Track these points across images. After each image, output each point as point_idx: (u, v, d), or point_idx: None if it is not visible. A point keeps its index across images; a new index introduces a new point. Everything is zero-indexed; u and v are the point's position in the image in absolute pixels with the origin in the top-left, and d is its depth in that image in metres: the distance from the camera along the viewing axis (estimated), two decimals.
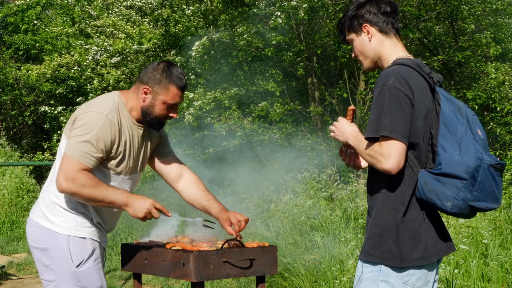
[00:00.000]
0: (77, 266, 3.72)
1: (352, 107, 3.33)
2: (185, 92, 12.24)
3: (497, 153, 10.00)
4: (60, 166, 3.62)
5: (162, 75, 3.76)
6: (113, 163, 3.73)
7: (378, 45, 3.23)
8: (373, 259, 3.07)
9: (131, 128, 3.79)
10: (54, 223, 3.72)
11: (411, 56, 3.22)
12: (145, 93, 3.77)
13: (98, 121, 3.61)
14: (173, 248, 4.03)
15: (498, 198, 3.04)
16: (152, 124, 3.84)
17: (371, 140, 3.02)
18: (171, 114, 3.83)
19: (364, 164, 3.43)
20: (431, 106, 3.07)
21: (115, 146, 3.69)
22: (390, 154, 2.94)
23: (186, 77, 3.81)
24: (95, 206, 3.75)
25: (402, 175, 3.02)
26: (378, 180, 3.11)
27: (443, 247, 3.15)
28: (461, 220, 7.19)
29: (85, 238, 3.75)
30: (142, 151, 3.92)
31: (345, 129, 3.23)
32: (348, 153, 3.43)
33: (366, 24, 3.23)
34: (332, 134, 3.29)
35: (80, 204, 3.73)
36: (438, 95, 3.08)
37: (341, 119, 3.28)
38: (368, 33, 3.23)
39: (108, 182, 3.77)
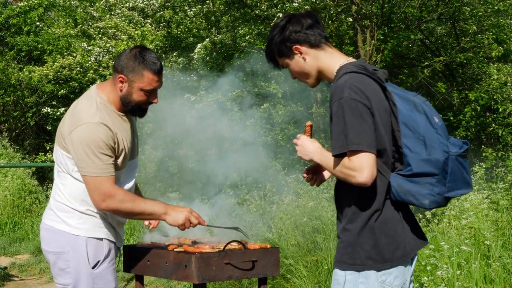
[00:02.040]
0: (93, 268, 3.71)
1: (309, 122, 3.26)
2: (187, 95, 12.30)
3: (499, 154, 9.99)
4: (89, 189, 3.61)
5: (135, 61, 3.66)
6: (119, 161, 3.72)
7: (315, 61, 3.15)
8: (356, 268, 3.04)
9: (119, 122, 3.75)
10: (72, 226, 3.70)
11: (352, 59, 3.16)
12: (121, 82, 3.69)
13: (95, 130, 3.58)
14: (175, 249, 4.03)
15: (470, 182, 3.06)
16: (134, 112, 3.79)
17: (338, 156, 2.97)
18: (151, 100, 3.76)
19: (326, 176, 3.41)
20: (387, 107, 3.03)
21: (116, 146, 3.68)
22: (362, 167, 2.89)
23: (160, 61, 3.73)
24: None
25: (374, 183, 2.99)
26: (347, 189, 3.06)
27: (418, 242, 3.16)
28: (463, 221, 7.18)
29: (102, 239, 3.75)
30: (134, 138, 3.89)
31: (308, 147, 3.16)
32: (312, 174, 3.39)
33: (295, 45, 3.14)
34: (298, 154, 3.20)
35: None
36: (391, 94, 3.04)
37: (302, 137, 3.20)
38: (301, 54, 3.15)
39: (120, 180, 3.77)
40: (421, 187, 2.96)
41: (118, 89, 3.72)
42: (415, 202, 2.99)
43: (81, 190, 3.68)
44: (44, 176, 17.54)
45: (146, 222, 4.26)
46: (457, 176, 2.98)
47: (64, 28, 16.83)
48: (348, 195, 3.08)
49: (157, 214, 3.73)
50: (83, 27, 16.28)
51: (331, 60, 3.15)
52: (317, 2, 11.31)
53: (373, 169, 2.91)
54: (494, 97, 10.84)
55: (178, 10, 13.93)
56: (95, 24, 15.35)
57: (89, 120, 3.60)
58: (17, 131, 20.09)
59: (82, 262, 3.69)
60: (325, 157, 3.08)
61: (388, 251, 3.02)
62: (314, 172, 3.40)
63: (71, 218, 3.71)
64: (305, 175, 3.40)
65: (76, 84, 16.60)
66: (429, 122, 2.99)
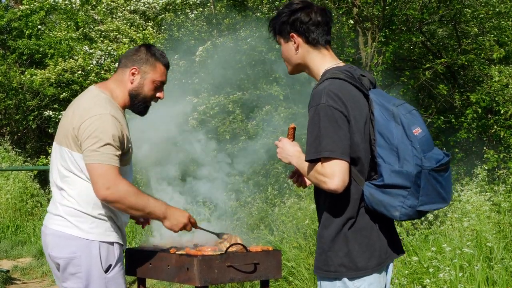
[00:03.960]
0: (105, 272, 3.69)
1: (292, 125, 3.26)
2: (189, 97, 12.33)
3: (501, 156, 9.98)
4: (93, 177, 3.57)
5: (147, 54, 3.82)
6: (126, 157, 3.73)
7: (304, 56, 3.17)
8: (328, 275, 3.05)
9: (123, 118, 3.78)
10: (84, 230, 3.67)
11: (341, 63, 3.15)
12: (133, 74, 3.79)
13: (107, 121, 3.60)
14: (177, 252, 4.04)
15: (445, 197, 3.04)
16: (138, 107, 3.86)
17: (312, 161, 2.98)
18: (158, 95, 3.87)
19: (309, 181, 3.39)
20: (367, 115, 3.03)
21: (125, 140, 3.69)
22: (334, 174, 2.90)
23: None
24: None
25: (348, 191, 3.00)
26: (323, 195, 3.08)
27: (394, 250, 3.15)
28: (465, 224, 7.18)
29: (113, 243, 3.73)
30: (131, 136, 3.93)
31: (288, 150, 3.17)
32: (297, 176, 3.40)
33: (293, 33, 3.16)
34: (278, 156, 3.21)
35: (105, 208, 3.69)
36: (371, 102, 3.02)
37: (283, 140, 3.22)
38: (294, 43, 3.16)
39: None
40: (392, 198, 2.94)
41: (129, 81, 3.80)
42: (386, 213, 2.98)
43: (94, 194, 3.64)
44: (46, 179, 17.52)
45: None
46: (430, 190, 2.96)
47: (66, 32, 16.86)
48: (323, 200, 3.09)
49: (156, 215, 3.72)
50: (84, 30, 16.30)
51: (321, 61, 3.16)
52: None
53: (345, 176, 2.92)
54: (496, 99, 10.83)
55: (179, 13, 13.94)
56: (96, 27, 15.38)
57: (101, 112, 3.62)
58: (19, 134, 20.10)
59: (95, 266, 3.67)
60: (301, 161, 3.08)
61: (361, 260, 3.02)
62: (299, 175, 3.40)
63: (83, 223, 3.67)
64: (289, 178, 3.41)
65: (78, 87, 16.61)
66: (405, 134, 2.95)
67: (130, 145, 3.75)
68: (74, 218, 3.69)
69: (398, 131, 2.96)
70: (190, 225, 3.81)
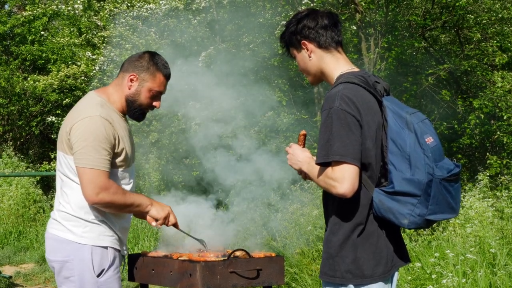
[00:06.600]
0: (98, 276, 3.71)
1: (303, 132, 3.28)
2: (191, 102, 12.31)
3: (504, 162, 9.97)
4: (83, 181, 3.60)
5: (149, 62, 3.81)
6: (120, 159, 3.75)
7: (319, 61, 3.18)
8: (334, 281, 3.05)
9: (119, 122, 3.79)
10: (77, 234, 3.71)
11: (355, 68, 3.16)
12: (131, 80, 3.79)
13: (95, 123, 3.61)
14: (180, 258, 4.03)
15: (455, 207, 3.03)
16: (135, 113, 3.86)
17: (323, 165, 2.98)
18: (154, 103, 3.87)
19: None
20: (380, 121, 3.02)
21: (117, 142, 3.70)
22: (344, 178, 2.89)
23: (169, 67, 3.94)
24: (115, 213, 3.76)
25: (357, 196, 2.99)
26: (332, 200, 3.08)
27: (400, 258, 3.14)
28: (468, 229, 7.17)
29: (107, 247, 3.75)
30: (132, 142, 3.93)
31: (298, 156, 3.18)
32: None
33: (304, 40, 3.18)
34: (288, 162, 3.23)
35: (99, 212, 3.71)
36: (385, 109, 3.03)
37: (293, 146, 3.23)
38: (307, 50, 3.18)
39: (119, 181, 3.78)
40: (402, 206, 2.94)
41: (126, 87, 3.80)
42: (394, 221, 2.97)
43: None
44: (49, 185, 17.55)
45: (154, 223, 4.14)
46: (440, 199, 2.95)
47: (69, 37, 16.88)
48: (332, 205, 3.09)
49: (144, 205, 3.79)
50: (87, 36, 16.33)
51: (335, 65, 3.17)
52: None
53: (355, 181, 2.91)
54: (499, 104, 10.83)
55: (182, 18, 13.96)
56: (99, 33, 15.40)
57: (91, 114, 3.64)
58: (22, 140, 20.10)
59: (87, 270, 3.69)
60: (311, 166, 3.08)
61: (368, 267, 3.02)
62: None
63: (76, 227, 3.71)
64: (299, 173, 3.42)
65: (81, 93, 16.63)
66: (418, 142, 2.95)
67: (124, 147, 3.75)
68: (68, 222, 3.73)
69: (411, 139, 2.95)
70: (173, 216, 3.89)
